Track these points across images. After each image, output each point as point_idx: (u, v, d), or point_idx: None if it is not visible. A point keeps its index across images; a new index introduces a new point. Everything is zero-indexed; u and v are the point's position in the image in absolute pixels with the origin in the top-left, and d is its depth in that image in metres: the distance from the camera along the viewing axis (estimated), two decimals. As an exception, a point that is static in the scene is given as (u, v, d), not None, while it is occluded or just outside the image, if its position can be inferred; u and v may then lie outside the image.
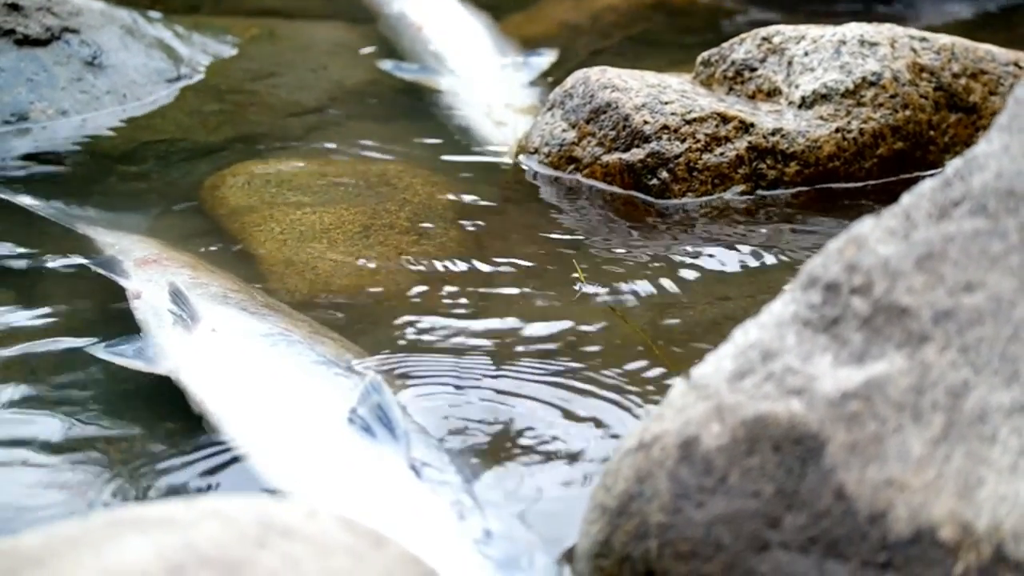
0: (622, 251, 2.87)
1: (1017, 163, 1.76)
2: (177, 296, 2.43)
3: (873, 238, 1.78)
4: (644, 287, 2.70)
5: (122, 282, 2.62)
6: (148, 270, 2.65)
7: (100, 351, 2.40)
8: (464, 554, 1.87)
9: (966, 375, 1.66)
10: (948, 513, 1.59)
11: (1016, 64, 3.21)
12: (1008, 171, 1.76)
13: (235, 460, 2.14)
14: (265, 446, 2.12)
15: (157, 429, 2.25)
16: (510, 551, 1.91)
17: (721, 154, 3.05)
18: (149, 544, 1.41)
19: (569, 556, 1.91)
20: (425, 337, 2.52)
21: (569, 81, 3.23)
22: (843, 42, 3.16)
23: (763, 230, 2.94)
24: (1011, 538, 1.57)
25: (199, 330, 2.39)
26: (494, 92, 3.79)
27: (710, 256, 2.84)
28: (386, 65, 3.96)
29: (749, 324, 1.81)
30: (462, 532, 1.92)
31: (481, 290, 2.70)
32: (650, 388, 2.33)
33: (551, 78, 3.81)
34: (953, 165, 1.80)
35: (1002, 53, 3.23)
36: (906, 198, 1.81)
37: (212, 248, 2.88)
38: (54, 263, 2.79)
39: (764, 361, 1.75)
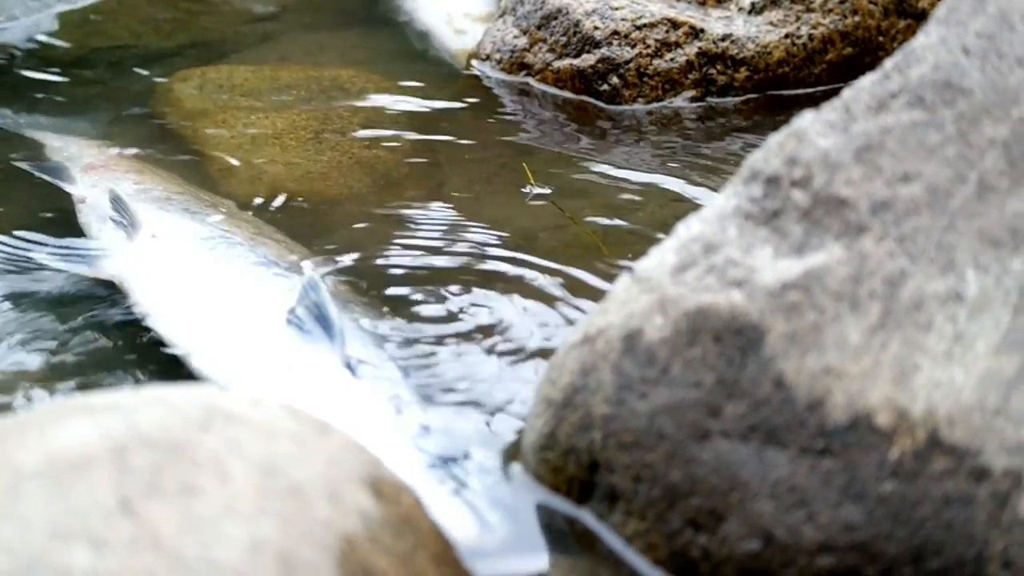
0: (573, 155, 2.88)
1: (954, 55, 1.77)
2: (117, 203, 2.44)
3: (813, 131, 1.79)
4: (595, 189, 2.71)
5: (67, 187, 2.62)
6: (94, 175, 2.65)
7: (43, 255, 2.40)
8: (401, 448, 1.88)
9: (903, 264, 1.68)
10: (884, 399, 1.61)
11: (966, -30, 3.21)
12: (945, 63, 1.78)
13: (176, 361, 2.15)
14: (204, 348, 2.13)
15: (103, 330, 2.26)
16: (448, 445, 1.92)
17: (671, 60, 3.06)
18: (93, 426, 1.42)
19: (511, 451, 1.93)
20: (376, 240, 2.53)
21: (521, -13, 3.23)
22: (794, -53, 3.16)
23: (713, 134, 2.95)
24: (945, 423, 1.59)
25: (140, 235, 2.40)
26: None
27: (660, 159, 2.85)
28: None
29: (692, 218, 1.83)
30: (399, 426, 1.93)
31: (432, 193, 2.71)
32: (598, 286, 2.35)
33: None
34: (892, 58, 1.82)
35: (953, -41, 3.23)
36: (847, 92, 1.83)
37: (164, 153, 2.87)
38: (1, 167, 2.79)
39: (706, 254, 1.76)
